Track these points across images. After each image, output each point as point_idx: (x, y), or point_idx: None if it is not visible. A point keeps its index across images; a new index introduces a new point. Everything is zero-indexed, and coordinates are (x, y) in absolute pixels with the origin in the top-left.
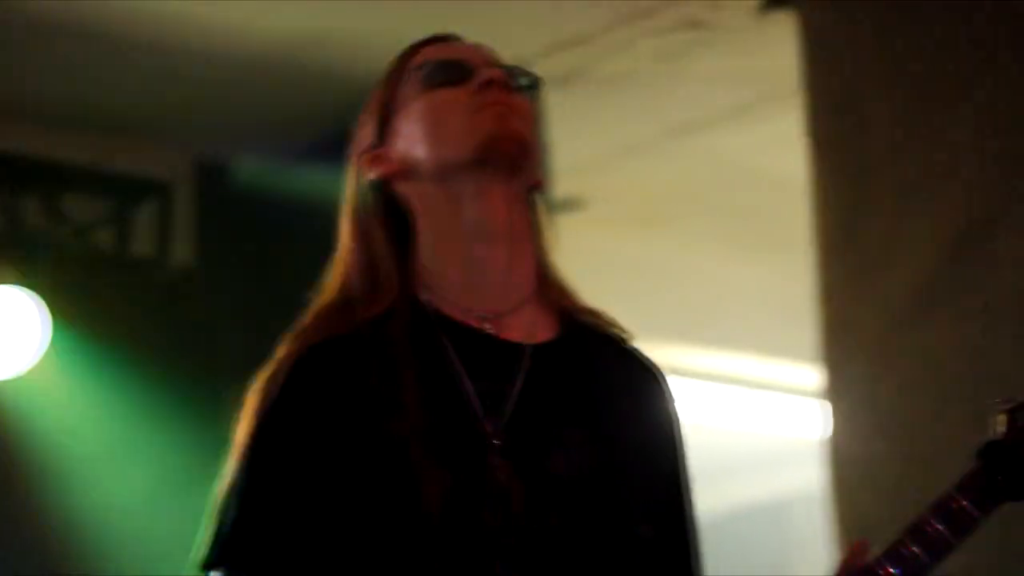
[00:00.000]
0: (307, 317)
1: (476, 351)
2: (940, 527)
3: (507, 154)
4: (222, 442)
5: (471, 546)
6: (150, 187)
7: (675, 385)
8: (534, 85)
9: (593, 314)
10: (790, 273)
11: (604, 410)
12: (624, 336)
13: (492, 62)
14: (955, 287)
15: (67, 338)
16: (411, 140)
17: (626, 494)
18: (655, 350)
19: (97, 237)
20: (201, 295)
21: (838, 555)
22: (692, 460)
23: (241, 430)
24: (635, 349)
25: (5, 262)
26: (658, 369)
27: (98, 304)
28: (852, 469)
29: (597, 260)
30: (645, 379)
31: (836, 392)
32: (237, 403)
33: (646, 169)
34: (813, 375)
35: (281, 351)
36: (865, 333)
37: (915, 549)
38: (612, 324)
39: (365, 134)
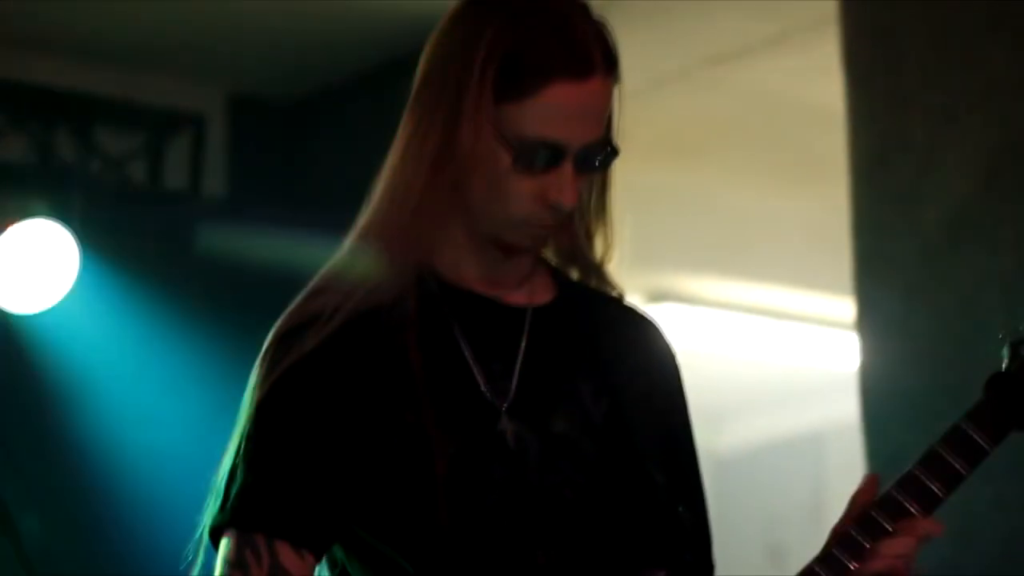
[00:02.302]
0: (324, 273)
1: (480, 317)
2: (950, 458)
3: (523, 260)
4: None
5: (481, 510)
6: (183, 120)
7: (710, 319)
8: (608, 162)
9: (592, 274)
10: (826, 204)
11: (608, 363)
12: (619, 292)
13: (589, 134)
14: (987, 218)
15: (98, 271)
16: (473, 180)
17: (637, 443)
18: (691, 282)
19: (129, 170)
20: (234, 229)
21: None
22: (727, 393)
23: (252, 391)
24: (630, 305)
25: (37, 195)
26: (654, 320)
27: (130, 237)
28: (885, 401)
29: (631, 192)
30: (644, 331)
31: (869, 324)
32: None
33: (681, 100)
34: (848, 307)
35: (294, 310)
36: (897, 264)
37: (927, 480)
38: (607, 281)
39: (463, 87)
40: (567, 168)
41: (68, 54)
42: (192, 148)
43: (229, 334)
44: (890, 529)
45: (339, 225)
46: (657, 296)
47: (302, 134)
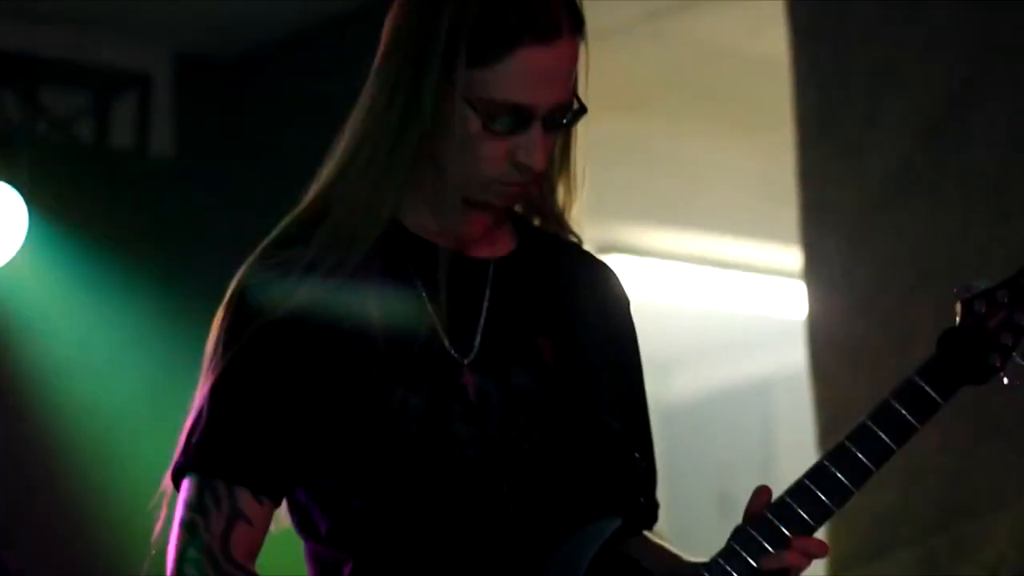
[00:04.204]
0: (287, 225)
1: (444, 271)
2: (903, 410)
3: (491, 216)
4: (200, 338)
5: (446, 464)
6: (130, 79)
7: (658, 269)
8: (575, 120)
9: (552, 222)
10: (772, 155)
11: (567, 312)
12: (578, 240)
13: (556, 95)
14: (931, 168)
15: (46, 231)
16: (442, 144)
17: (594, 391)
18: (638, 233)
19: (76, 130)
20: (180, 187)
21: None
22: (676, 343)
23: (214, 339)
24: (587, 251)
25: None
26: (611, 267)
27: (78, 196)
28: (831, 349)
29: (579, 144)
30: (601, 276)
31: (815, 273)
32: (212, 304)
33: (627, 52)
34: (795, 256)
35: (258, 261)
36: (843, 214)
37: (879, 431)
38: (567, 229)
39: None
40: (536, 130)
41: (13, 15)
42: (138, 107)
43: (177, 294)
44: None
45: (287, 182)
46: (606, 247)
47: (248, 92)
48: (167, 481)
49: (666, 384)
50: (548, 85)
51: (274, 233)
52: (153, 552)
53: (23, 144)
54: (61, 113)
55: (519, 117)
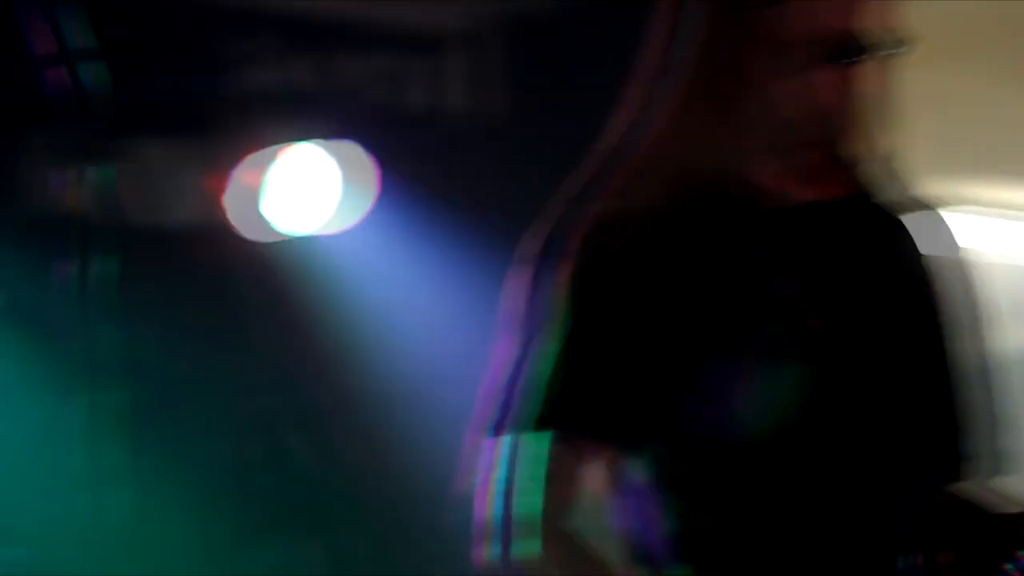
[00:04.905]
0: (623, 178)
1: (770, 217)
2: None
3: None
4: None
5: (792, 424)
6: (457, 39)
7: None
8: (888, 54)
9: (871, 172)
10: None
11: (877, 267)
12: (898, 191)
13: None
14: None
15: (385, 194)
16: (749, 88)
17: (901, 348)
18: (977, 187)
19: (406, 91)
20: (487, 147)
21: None
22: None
23: (566, 294)
24: (902, 202)
25: (319, 117)
26: (927, 222)
27: (410, 160)
28: None
29: (916, 98)
30: (909, 233)
31: None
32: (547, 259)
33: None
34: None
35: (601, 213)
36: None
37: None
38: (886, 182)
39: None
40: (842, 66)
41: None
42: (436, 69)
43: (496, 254)
44: None
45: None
46: (943, 202)
47: (575, 51)
48: (477, 436)
49: (1004, 337)
50: (853, 16)
51: (603, 185)
52: (469, 502)
53: (357, 106)
54: (392, 74)
55: (825, 52)
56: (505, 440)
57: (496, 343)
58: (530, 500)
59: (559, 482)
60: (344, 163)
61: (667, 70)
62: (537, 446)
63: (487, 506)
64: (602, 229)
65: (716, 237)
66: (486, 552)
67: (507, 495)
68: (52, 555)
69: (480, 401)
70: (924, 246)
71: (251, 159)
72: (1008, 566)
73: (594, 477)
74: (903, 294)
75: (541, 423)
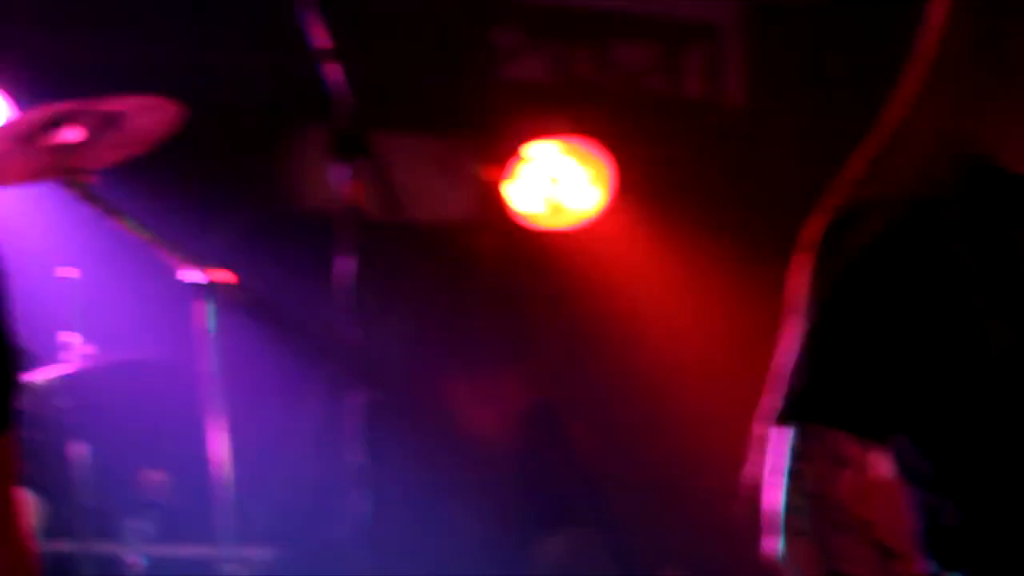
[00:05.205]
0: (868, 166)
1: None
2: None
3: None
4: (775, 288)
5: None
6: (700, 30)
7: None
8: None
9: None
10: None
11: None
12: None
13: None
14: None
15: (623, 184)
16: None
17: None
18: None
19: (648, 82)
20: (754, 137)
21: None
22: None
23: (815, 285)
24: None
25: (558, 111)
26: None
27: (651, 149)
28: None
29: None
30: None
31: None
32: (795, 248)
33: None
34: None
35: (849, 202)
36: None
37: None
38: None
39: None
40: None
41: None
42: (710, 57)
43: (752, 243)
44: None
45: (862, 130)
46: None
47: (822, 41)
48: (760, 427)
49: None
50: None
51: (851, 169)
52: (744, 498)
53: (596, 99)
54: (632, 67)
55: None
56: (784, 430)
57: (781, 332)
58: (792, 493)
59: (822, 473)
60: (588, 157)
61: (936, 54)
62: (798, 436)
63: (772, 497)
64: (865, 215)
65: (984, 222)
66: (771, 545)
67: (781, 489)
68: (302, 555)
69: (767, 390)
70: None
71: (520, 151)
72: None
73: (858, 470)
74: None
75: (793, 413)
